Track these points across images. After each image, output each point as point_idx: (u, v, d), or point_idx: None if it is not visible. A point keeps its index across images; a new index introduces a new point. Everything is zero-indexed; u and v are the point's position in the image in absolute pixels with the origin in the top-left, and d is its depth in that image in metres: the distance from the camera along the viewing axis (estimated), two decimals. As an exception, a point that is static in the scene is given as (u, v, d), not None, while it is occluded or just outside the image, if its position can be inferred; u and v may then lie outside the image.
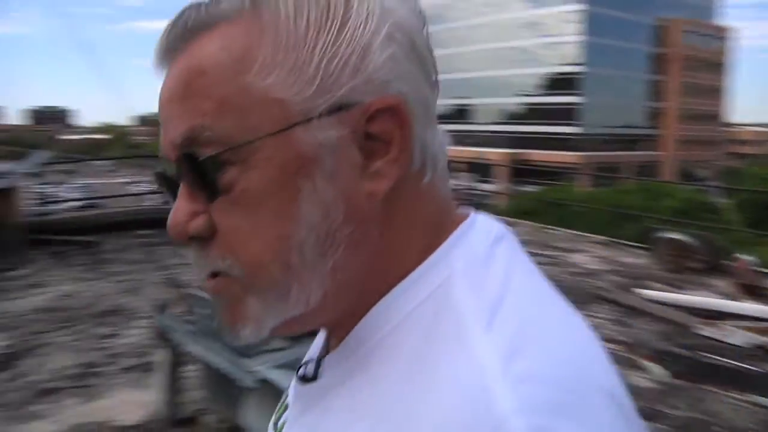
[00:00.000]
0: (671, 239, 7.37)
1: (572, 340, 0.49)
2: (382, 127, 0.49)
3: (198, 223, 0.50)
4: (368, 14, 0.49)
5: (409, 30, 0.51)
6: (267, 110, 0.47)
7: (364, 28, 0.49)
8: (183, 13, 0.50)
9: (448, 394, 0.43)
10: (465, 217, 0.57)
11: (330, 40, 0.48)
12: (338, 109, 0.48)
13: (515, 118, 62.01)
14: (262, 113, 0.47)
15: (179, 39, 0.50)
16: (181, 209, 0.50)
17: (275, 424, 0.64)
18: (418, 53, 0.52)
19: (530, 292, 0.51)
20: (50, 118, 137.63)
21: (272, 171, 0.47)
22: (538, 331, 0.47)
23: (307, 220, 0.48)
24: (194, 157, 0.48)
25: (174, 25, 0.51)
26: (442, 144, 0.56)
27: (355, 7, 0.49)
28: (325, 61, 0.48)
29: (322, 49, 0.48)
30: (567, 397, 0.43)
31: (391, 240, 0.52)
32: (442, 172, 0.55)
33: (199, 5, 0.50)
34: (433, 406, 0.43)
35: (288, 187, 0.48)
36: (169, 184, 0.53)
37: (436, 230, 0.54)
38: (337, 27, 0.48)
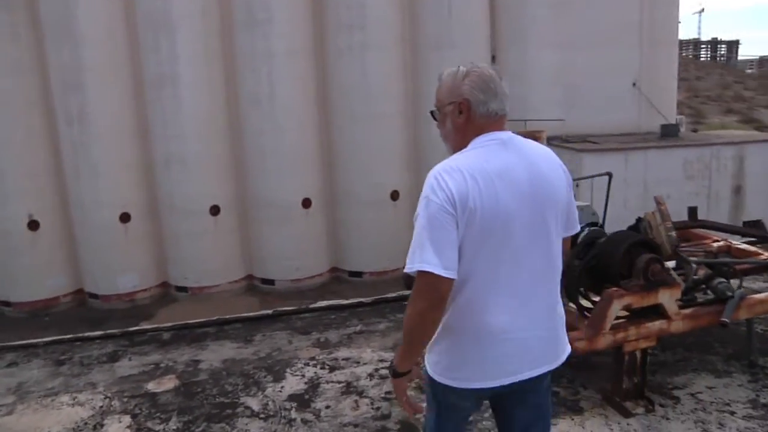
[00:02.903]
0: None
1: (470, 164, 1.91)
2: (461, 108, 2.02)
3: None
4: (461, 78, 2.02)
5: (480, 83, 2.00)
6: (443, 101, 2.08)
7: (459, 81, 2.02)
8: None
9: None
10: (497, 132, 2.00)
11: (450, 84, 2.05)
12: (451, 102, 2.04)
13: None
14: (443, 101, 2.08)
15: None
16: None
17: None
18: (481, 86, 1.99)
19: (475, 153, 1.96)
20: None
21: (443, 116, 2.08)
22: (461, 159, 1.94)
23: (448, 128, 2.07)
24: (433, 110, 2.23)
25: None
26: (492, 112, 2.00)
27: (460, 79, 2.01)
28: (450, 90, 2.05)
29: (450, 87, 2.05)
30: (450, 169, 1.89)
31: (468, 135, 2.02)
32: (490, 117, 2.00)
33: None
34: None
35: (445, 120, 2.07)
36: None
37: (480, 133, 2.00)
38: (452, 80, 2.05)
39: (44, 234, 12.80)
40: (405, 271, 1.88)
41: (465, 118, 2.00)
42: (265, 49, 12.26)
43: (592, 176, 5.17)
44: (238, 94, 12.68)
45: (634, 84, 12.45)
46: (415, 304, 1.90)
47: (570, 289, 3.84)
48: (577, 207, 4.38)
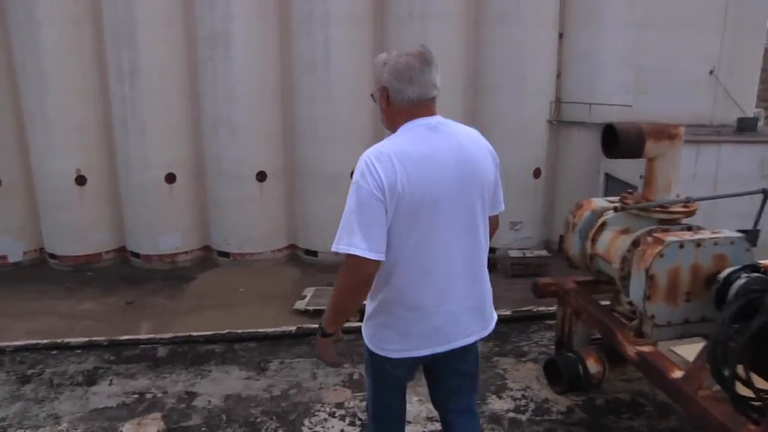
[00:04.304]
0: None
1: (399, 148, 2.04)
2: (384, 93, 2.15)
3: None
4: (382, 66, 2.15)
5: (394, 72, 2.12)
6: (375, 86, 2.20)
7: (381, 68, 2.15)
8: None
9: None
10: (425, 117, 2.15)
11: (376, 71, 2.18)
12: (380, 88, 2.15)
13: None
14: (374, 86, 2.21)
15: None
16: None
17: None
18: (396, 75, 2.12)
19: (404, 138, 2.09)
20: None
21: (378, 99, 2.19)
22: (391, 144, 2.06)
23: (380, 111, 2.20)
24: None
25: None
26: (408, 100, 2.12)
27: (382, 66, 2.16)
28: (376, 77, 2.18)
29: (376, 74, 2.19)
30: (380, 155, 2.00)
31: (395, 119, 2.16)
32: (410, 103, 2.12)
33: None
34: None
35: (379, 103, 2.19)
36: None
37: (409, 118, 2.13)
38: (377, 67, 2.17)
39: (91, 190, 12.72)
40: (332, 249, 1.96)
41: (386, 103, 2.18)
42: (322, 13, 11.78)
43: (742, 194, 3.95)
44: (291, 59, 12.25)
45: (711, 71, 11.63)
46: (343, 281, 2.06)
47: (719, 368, 2.57)
48: (728, 239, 3.01)
